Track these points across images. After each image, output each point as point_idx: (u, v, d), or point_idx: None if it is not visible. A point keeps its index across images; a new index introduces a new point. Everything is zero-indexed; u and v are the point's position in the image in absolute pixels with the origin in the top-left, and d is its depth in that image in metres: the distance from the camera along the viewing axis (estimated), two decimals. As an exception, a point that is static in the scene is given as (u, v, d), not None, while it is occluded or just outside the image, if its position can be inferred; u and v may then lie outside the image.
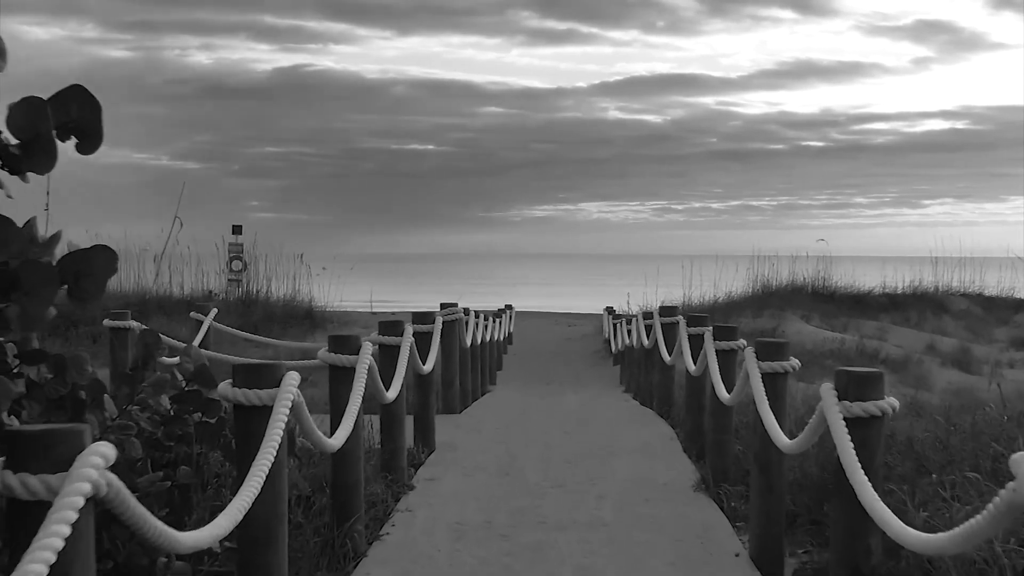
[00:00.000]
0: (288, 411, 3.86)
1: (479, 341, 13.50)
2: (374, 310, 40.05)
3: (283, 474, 4.00)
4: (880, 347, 20.88)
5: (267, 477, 3.64)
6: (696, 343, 8.75)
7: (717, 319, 23.86)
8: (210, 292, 27.36)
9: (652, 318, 12.54)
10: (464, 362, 11.92)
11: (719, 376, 6.85)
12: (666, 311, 11.39)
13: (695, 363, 8.57)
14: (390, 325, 7.30)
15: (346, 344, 5.63)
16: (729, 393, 6.53)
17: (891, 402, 4.08)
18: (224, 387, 4.04)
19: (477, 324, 13.54)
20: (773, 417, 5.20)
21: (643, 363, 12.83)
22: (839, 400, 4.04)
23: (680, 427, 10.02)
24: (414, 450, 8.43)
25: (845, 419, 3.97)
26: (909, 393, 15.44)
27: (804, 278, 28.16)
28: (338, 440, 4.69)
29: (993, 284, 29.48)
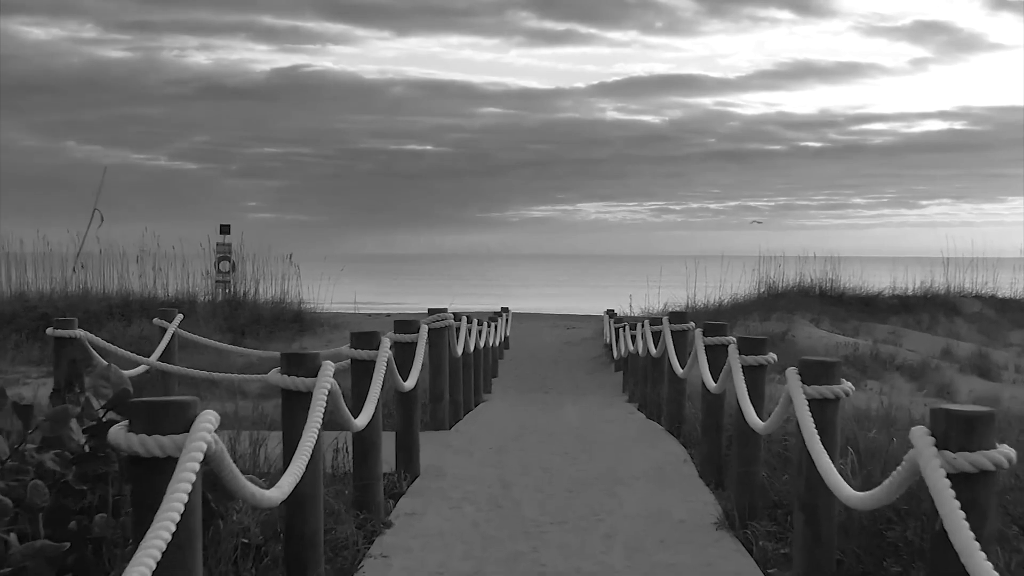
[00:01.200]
0: (197, 467, 2.85)
1: (472, 349, 12.46)
2: (369, 312, 39.09)
3: (194, 548, 2.99)
4: (895, 353, 19.89)
5: (169, 552, 2.65)
6: (715, 355, 7.73)
7: (724, 323, 22.85)
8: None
9: (660, 324, 11.52)
10: (455, 373, 10.90)
11: (748, 400, 5.83)
12: (676, 317, 10.35)
13: (714, 378, 7.56)
14: (364, 337, 6.27)
15: (301, 364, 4.61)
16: (763, 420, 5.50)
17: (1006, 452, 3.07)
18: (117, 432, 3.02)
19: (470, 330, 12.51)
20: (827, 457, 4.20)
21: (650, 373, 11.80)
22: (939, 449, 3.03)
23: (694, 448, 9.01)
24: (395, 476, 7.42)
25: (948, 476, 2.96)
26: (936, 404, 14.40)
27: (812, 280, 27.21)
28: (282, 491, 3.68)
29: (1006, 286, 28.57)
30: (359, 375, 6.18)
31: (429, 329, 9.79)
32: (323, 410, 4.34)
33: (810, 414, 4.44)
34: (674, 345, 9.83)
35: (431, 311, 9.93)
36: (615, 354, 18.43)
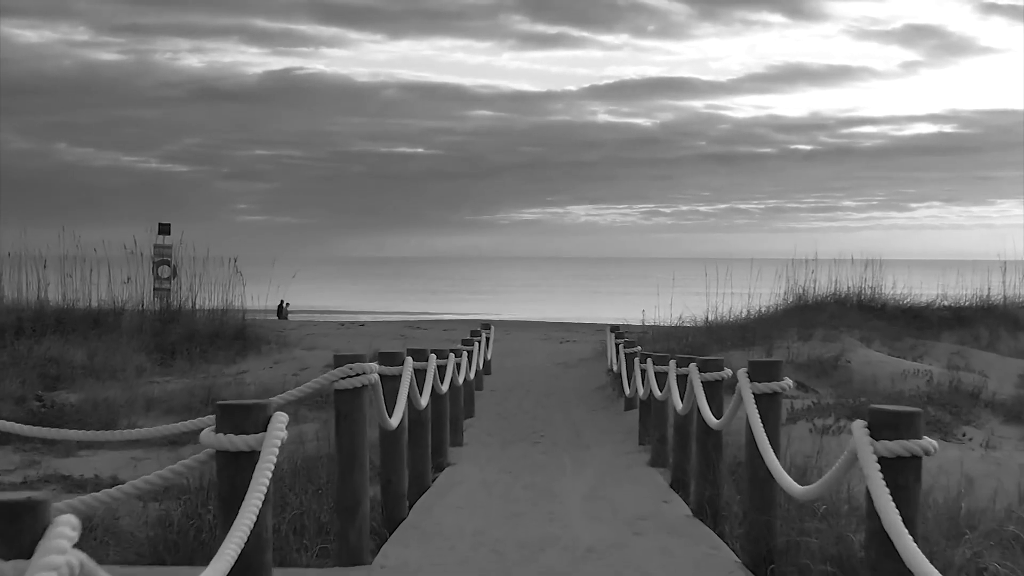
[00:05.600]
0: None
1: (424, 405, 8.16)
2: (343, 321, 35.02)
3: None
4: (979, 383, 15.52)
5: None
6: (894, 470, 3.58)
7: (756, 341, 18.51)
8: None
9: (716, 369, 7.35)
10: (394, 454, 6.69)
11: None
12: (760, 370, 5.94)
13: (891, 504, 3.37)
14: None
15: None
16: None
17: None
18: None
19: (418, 380, 8.24)
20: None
21: (699, 445, 7.54)
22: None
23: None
24: None
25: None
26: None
27: (848, 288, 23.11)
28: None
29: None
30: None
31: (337, 390, 5.64)
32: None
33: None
34: (761, 419, 5.53)
35: (338, 359, 5.68)
36: (626, 389, 14.17)
